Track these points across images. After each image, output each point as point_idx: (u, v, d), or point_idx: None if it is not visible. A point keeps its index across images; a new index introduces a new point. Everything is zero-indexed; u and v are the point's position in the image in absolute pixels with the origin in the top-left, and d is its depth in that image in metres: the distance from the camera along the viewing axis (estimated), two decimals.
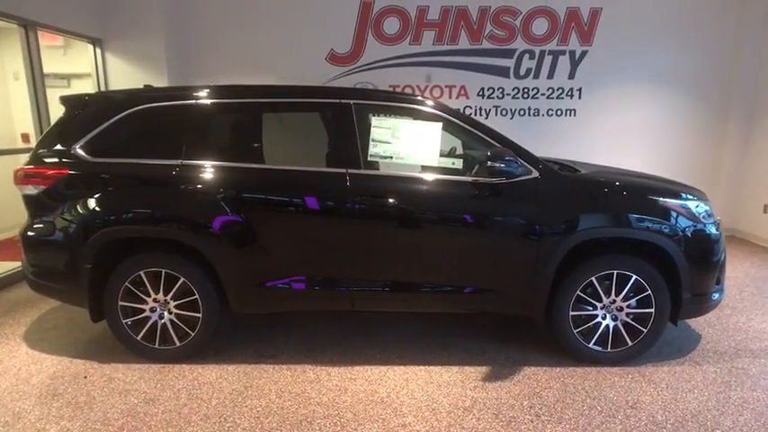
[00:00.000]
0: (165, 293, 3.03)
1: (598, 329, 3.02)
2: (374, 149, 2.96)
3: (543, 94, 6.08)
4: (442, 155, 3.02)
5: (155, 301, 3.06)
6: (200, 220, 2.94)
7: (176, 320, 3.07)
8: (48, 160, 3.04)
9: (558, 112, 6.13)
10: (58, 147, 3.08)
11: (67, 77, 6.52)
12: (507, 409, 2.61)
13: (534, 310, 3.01)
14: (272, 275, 3.01)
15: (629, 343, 3.02)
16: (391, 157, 2.96)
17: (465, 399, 2.71)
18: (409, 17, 5.94)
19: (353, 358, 3.14)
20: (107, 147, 3.04)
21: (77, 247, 2.98)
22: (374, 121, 2.99)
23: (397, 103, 3.08)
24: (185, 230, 2.95)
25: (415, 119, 3.01)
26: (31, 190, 3.04)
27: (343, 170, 2.92)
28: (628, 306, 2.99)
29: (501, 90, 6.09)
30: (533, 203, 2.88)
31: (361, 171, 2.93)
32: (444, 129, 2.97)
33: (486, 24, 5.93)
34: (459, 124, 2.99)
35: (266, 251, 2.97)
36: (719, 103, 6.03)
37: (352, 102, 3.00)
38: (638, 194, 2.98)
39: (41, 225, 3.05)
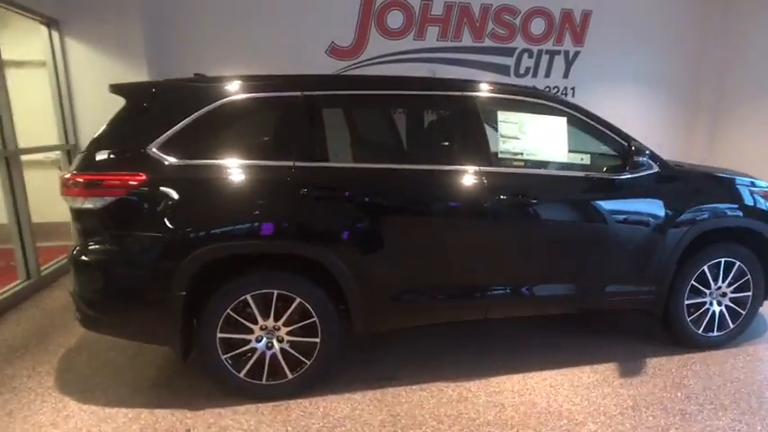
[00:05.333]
0: (276, 319, 2.68)
1: (706, 316, 3.23)
2: (504, 145, 2.88)
3: None
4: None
5: (262, 328, 2.69)
6: (324, 230, 2.64)
7: (288, 349, 2.72)
8: (115, 165, 2.54)
9: None
10: (127, 148, 2.59)
11: None
12: (669, 403, 2.69)
13: (657, 303, 3.13)
14: (404, 288, 2.80)
15: (731, 326, 3.28)
16: (521, 154, 2.91)
17: (624, 398, 2.74)
18: (413, 11, 5.89)
19: (477, 370, 3.02)
20: (194, 146, 2.61)
21: (165, 272, 2.52)
22: (500, 115, 2.91)
23: (522, 97, 3.01)
24: (306, 243, 2.63)
25: (539, 113, 2.98)
26: (93, 202, 2.51)
27: (477, 168, 2.81)
28: (731, 291, 3.24)
29: None
30: (658, 197, 3.00)
31: (496, 169, 2.85)
32: (568, 123, 2.98)
33: (487, 22, 6.07)
34: (581, 118, 3.02)
35: (398, 261, 2.74)
36: (690, 101, 6.78)
37: (476, 94, 2.89)
38: (742, 185, 3.23)
39: (107, 246, 2.55)
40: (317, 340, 2.72)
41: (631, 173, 2.96)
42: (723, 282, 3.21)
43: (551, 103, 3.00)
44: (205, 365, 2.72)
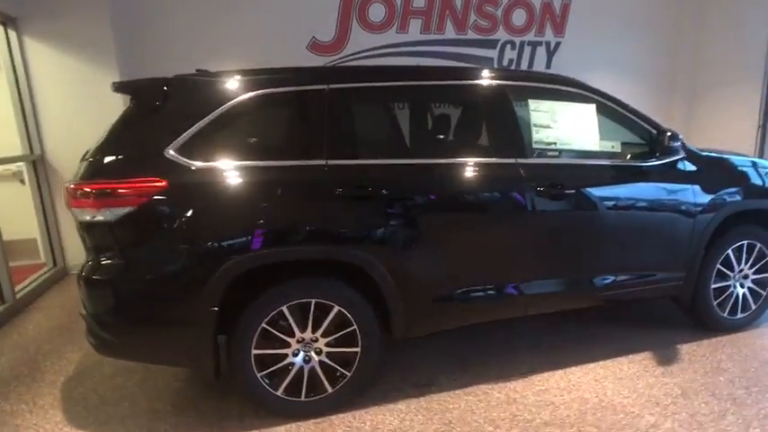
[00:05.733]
0: (314, 330, 2.50)
1: (731, 299, 3.27)
2: (537, 135, 2.80)
3: None
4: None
5: (298, 341, 2.50)
6: (362, 232, 2.48)
7: (327, 361, 2.55)
8: (128, 171, 2.28)
9: None
10: (142, 152, 2.35)
11: None
12: (716, 388, 2.69)
13: (686, 289, 3.13)
14: (446, 288, 2.67)
15: (753, 307, 3.34)
16: (555, 143, 2.84)
17: (670, 386, 2.73)
18: (395, 4, 5.75)
19: (514, 369, 2.94)
20: (216, 148, 2.40)
21: (193, 287, 2.30)
22: (532, 104, 2.83)
23: (553, 85, 2.94)
24: (344, 246, 2.46)
25: (569, 101, 2.92)
26: (106, 214, 2.25)
27: (513, 160, 2.71)
28: (753, 273, 3.29)
29: None
30: (689, 182, 3.00)
31: (533, 160, 2.77)
32: (597, 110, 2.94)
33: (470, 13, 6.01)
34: (609, 105, 2.98)
35: (440, 259, 2.61)
36: (667, 88, 6.96)
37: (506, 83, 2.79)
38: (761, 167, 3.28)
39: (125, 262, 2.30)
40: (357, 350, 2.56)
41: (662, 159, 2.95)
42: (745, 264, 3.26)
43: (580, 90, 2.94)
44: (237, 385, 2.50)
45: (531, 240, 2.76)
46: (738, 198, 3.14)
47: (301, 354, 2.52)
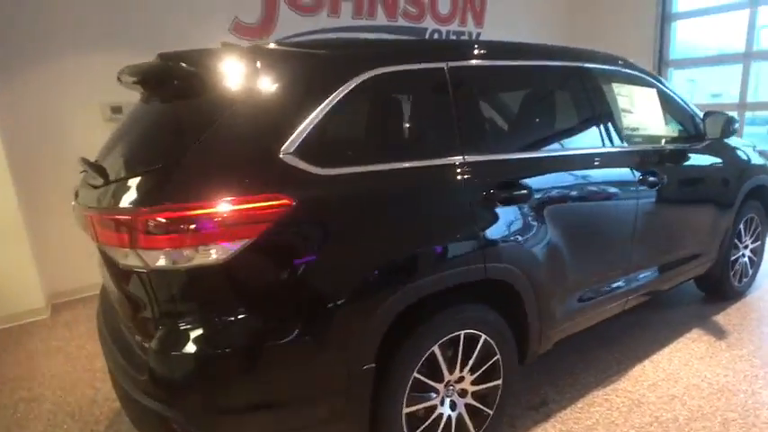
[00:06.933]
0: (462, 368, 2.04)
1: (740, 268, 3.60)
2: (626, 121, 2.69)
3: None
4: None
5: (447, 385, 2.02)
6: (511, 240, 2.08)
7: (473, 402, 2.11)
8: (227, 187, 1.56)
9: None
10: (245, 155, 1.63)
11: None
12: None
13: (717, 264, 3.34)
14: (576, 292, 2.43)
15: (750, 273, 3.74)
16: (637, 129, 2.77)
17: (746, 357, 2.88)
18: None
19: (604, 370, 2.82)
20: (334, 146, 1.81)
21: (342, 342, 1.69)
22: (615, 88, 2.70)
23: (629, 70, 2.83)
24: (497, 261, 2.03)
25: (636, 85, 2.86)
26: (207, 255, 1.52)
27: (617, 149, 2.57)
28: (751, 242, 3.68)
29: None
30: (725, 163, 3.19)
31: (629, 147, 2.64)
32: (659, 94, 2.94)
33: None
34: (663, 89, 3.00)
35: (575, 262, 2.34)
36: None
37: (586, 65, 2.59)
38: (747, 145, 3.64)
39: (248, 324, 1.59)
40: (499, 382, 2.17)
41: (707, 141, 3.07)
42: (747, 235, 3.61)
43: (643, 75, 2.91)
44: None
45: (632, 232, 2.64)
46: (754, 175, 3.42)
47: (447, 400, 2.04)
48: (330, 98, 1.74)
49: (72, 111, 4.14)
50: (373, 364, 1.73)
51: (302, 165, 1.65)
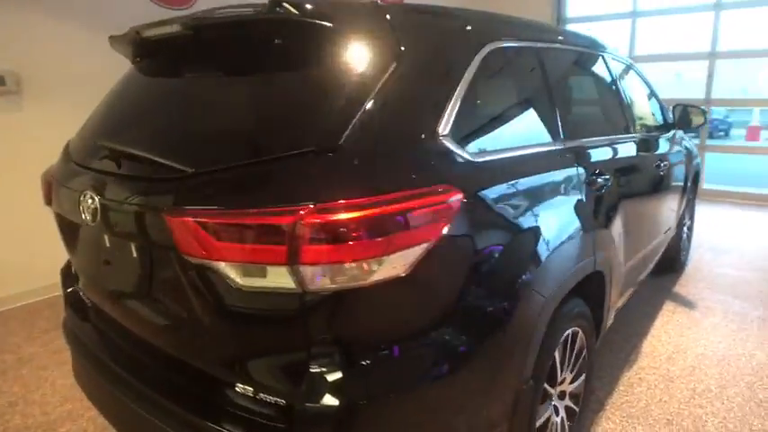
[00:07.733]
0: (563, 368, 1.92)
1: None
2: (633, 111, 2.78)
3: None
4: None
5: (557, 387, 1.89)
6: (603, 228, 2.01)
7: (571, 404, 2.01)
8: (401, 177, 1.24)
9: None
10: (396, 136, 1.30)
11: None
12: None
13: (676, 238, 3.68)
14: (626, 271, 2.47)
15: (687, 247, 4.20)
16: (642, 118, 2.88)
17: (749, 317, 3.25)
18: None
19: (622, 348, 2.92)
20: (482, 128, 1.57)
21: (519, 359, 1.48)
22: (626, 79, 2.77)
23: (617, 58, 2.89)
24: (599, 249, 1.95)
25: (629, 74, 2.97)
26: (387, 267, 1.18)
27: (641, 135, 2.66)
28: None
29: None
30: (684, 147, 3.51)
31: (643, 135, 2.75)
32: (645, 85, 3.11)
33: None
34: (645, 80, 3.18)
35: (629, 240, 2.35)
36: None
37: (603, 54, 2.61)
38: None
39: (441, 360, 1.31)
40: (584, 377, 2.09)
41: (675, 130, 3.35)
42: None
43: (627, 62, 3.02)
44: None
45: (654, 204, 2.83)
46: (694, 157, 3.84)
47: (551, 405, 1.90)
48: (468, 71, 1.48)
49: None
50: (531, 381, 1.52)
51: (458, 149, 1.37)
